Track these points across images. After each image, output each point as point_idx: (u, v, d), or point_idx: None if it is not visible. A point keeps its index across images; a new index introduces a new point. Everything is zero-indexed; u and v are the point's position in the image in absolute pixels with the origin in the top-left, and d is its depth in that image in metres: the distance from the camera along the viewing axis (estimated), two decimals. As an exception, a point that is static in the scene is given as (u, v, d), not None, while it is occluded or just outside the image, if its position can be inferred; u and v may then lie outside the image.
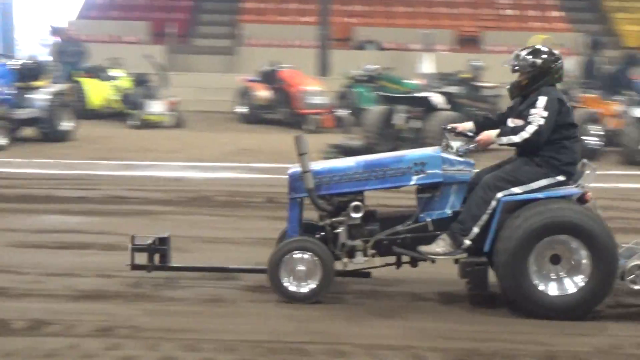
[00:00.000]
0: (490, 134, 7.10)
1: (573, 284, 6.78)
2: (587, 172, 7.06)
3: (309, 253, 7.07)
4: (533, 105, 6.89)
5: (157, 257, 7.57)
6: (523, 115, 6.96)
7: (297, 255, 7.08)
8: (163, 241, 7.61)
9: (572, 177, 6.99)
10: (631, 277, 6.95)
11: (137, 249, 7.49)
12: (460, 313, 7.05)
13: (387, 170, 7.21)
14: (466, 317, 6.94)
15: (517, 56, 7.11)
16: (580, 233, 6.68)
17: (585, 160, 7.19)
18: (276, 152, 16.55)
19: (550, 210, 6.74)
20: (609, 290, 6.81)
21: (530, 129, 6.83)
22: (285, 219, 7.54)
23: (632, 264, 6.98)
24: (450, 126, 7.42)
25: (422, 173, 7.12)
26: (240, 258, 8.43)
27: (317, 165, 7.40)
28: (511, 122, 7.09)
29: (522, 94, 7.14)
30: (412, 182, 7.16)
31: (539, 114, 6.82)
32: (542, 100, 6.85)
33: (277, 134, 19.68)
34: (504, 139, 6.97)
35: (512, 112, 7.19)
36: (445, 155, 7.15)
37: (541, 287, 6.77)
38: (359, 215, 7.19)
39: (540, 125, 6.80)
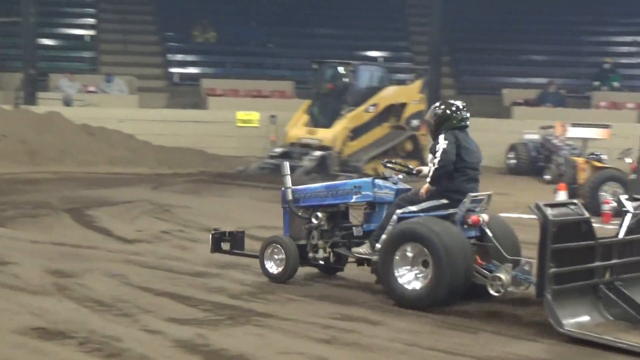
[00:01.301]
0: (424, 168, 9.57)
1: (420, 281, 8.81)
2: (482, 199, 9.12)
3: (279, 246, 9.80)
4: (436, 143, 9.09)
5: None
6: (433, 153, 9.14)
7: (274, 247, 9.88)
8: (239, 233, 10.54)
9: (455, 202, 8.98)
10: (492, 284, 8.65)
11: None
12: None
13: (338, 190, 9.93)
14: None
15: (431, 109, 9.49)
16: (423, 241, 8.72)
17: (488, 192, 9.24)
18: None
19: (407, 223, 8.97)
20: (447, 289, 8.62)
21: (436, 162, 9.00)
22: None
23: (495, 274, 8.68)
24: (387, 161, 10.05)
25: (358, 194, 9.72)
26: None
27: (297, 185, 10.35)
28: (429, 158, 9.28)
29: (433, 137, 9.30)
30: (352, 200, 9.83)
31: (440, 151, 8.95)
32: (441, 140, 9.00)
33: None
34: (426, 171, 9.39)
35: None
36: (376, 181, 9.65)
37: (401, 281, 8.87)
38: (316, 222, 9.84)
39: (441, 158, 8.95)
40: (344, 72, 22.12)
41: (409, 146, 22.03)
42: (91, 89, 27.35)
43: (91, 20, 32.51)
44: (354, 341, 7.66)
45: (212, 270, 10.43)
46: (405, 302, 8.80)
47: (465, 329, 8.21)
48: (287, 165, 10.30)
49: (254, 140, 24.02)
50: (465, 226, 9.03)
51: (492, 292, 8.71)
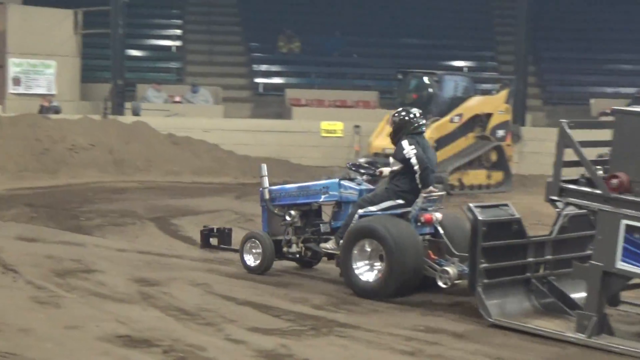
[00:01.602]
0: (387, 170, 10.31)
1: (375, 274, 9.63)
2: (436, 199, 9.91)
3: (257, 241, 10.69)
4: (400, 148, 9.80)
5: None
6: (397, 158, 9.89)
7: (252, 242, 10.78)
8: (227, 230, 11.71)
9: (410, 202, 9.78)
10: (440, 277, 9.50)
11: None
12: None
13: (309, 190, 10.78)
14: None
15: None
16: (377, 237, 9.54)
17: (441, 192, 10.08)
18: None
19: (364, 221, 9.82)
20: (398, 281, 9.46)
21: (417, 169, 9.66)
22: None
23: (443, 268, 9.51)
24: (353, 163, 11.08)
25: (326, 193, 10.56)
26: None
27: (274, 185, 11.25)
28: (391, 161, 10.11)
29: (393, 142, 10.10)
30: (321, 200, 10.67)
31: (413, 158, 9.67)
32: (407, 146, 9.75)
33: None
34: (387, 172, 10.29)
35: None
36: (342, 182, 10.46)
37: (358, 274, 9.69)
38: (289, 219, 10.71)
39: (419, 164, 9.65)
40: (428, 82, 21.99)
41: (494, 157, 21.82)
42: (177, 99, 27.63)
43: (178, 32, 32.86)
44: (438, 354, 7.60)
45: (295, 280, 10.45)
46: (362, 292, 9.65)
47: (555, 344, 8.08)
48: (264, 167, 11.30)
49: (337, 150, 24.02)
50: (419, 224, 9.87)
51: (440, 284, 9.53)
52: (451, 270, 9.44)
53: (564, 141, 8.34)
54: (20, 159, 20.41)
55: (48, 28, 25.88)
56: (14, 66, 25.38)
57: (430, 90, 21.92)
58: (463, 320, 8.79)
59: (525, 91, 27.80)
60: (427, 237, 9.94)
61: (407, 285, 9.57)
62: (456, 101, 21.83)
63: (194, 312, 8.75)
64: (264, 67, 31.52)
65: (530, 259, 9.00)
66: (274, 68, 31.80)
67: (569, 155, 8.45)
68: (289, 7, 33.78)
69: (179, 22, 33.14)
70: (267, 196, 11.01)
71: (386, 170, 10.33)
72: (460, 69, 30.53)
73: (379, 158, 20.27)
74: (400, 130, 10.01)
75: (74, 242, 12.30)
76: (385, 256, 9.48)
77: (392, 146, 10.28)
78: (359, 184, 10.47)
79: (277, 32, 32.19)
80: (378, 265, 9.65)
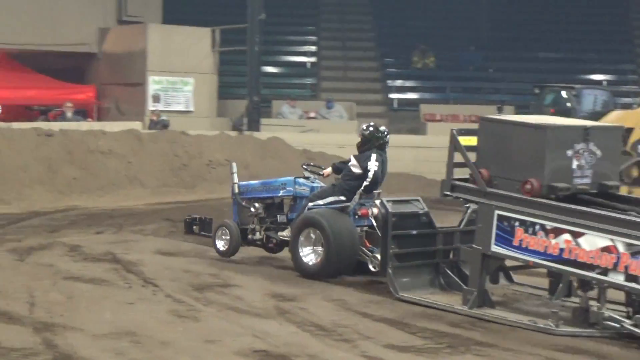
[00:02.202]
0: (328, 171, 12.09)
1: (316, 258, 11.10)
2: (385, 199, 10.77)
3: (226, 229, 12.20)
4: (367, 159, 11.24)
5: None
6: (359, 164, 11.31)
7: (222, 229, 12.29)
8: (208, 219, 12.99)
9: (350, 198, 11.22)
10: (371, 262, 10.95)
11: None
12: None
13: (270, 186, 12.35)
14: None
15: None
16: (318, 227, 11.01)
17: (378, 191, 11.43)
18: None
19: (309, 213, 11.31)
20: (334, 265, 10.95)
21: (368, 180, 11.14)
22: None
23: (374, 255, 10.91)
24: (306, 163, 12.67)
25: (284, 189, 12.14)
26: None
27: (243, 181, 12.81)
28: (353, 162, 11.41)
29: (358, 150, 11.47)
30: (280, 194, 12.24)
31: (372, 171, 11.16)
32: (373, 160, 11.21)
33: None
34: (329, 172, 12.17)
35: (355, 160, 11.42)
36: (297, 180, 12.03)
37: (303, 257, 11.18)
38: (253, 210, 12.23)
39: (372, 178, 11.17)
40: (566, 96, 21.64)
41: (635, 172, 21.19)
42: (312, 115, 27.83)
43: (312, 48, 33.16)
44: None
45: (432, 297, 10.34)
46: (306, 273, 11.16)
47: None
48: (234, 165, 12.88)
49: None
50: (357, 217, 11.28)
51: (370, 267, 11.00)
52: (379, 256, 10.64)
53: (454, 145, 9.87)
54: (160, 175, 20.83)
55: (186, 46, 26.41)
56: (154, 84, 25.97)
57: (569, 104, 21.56)
58: (604, 342, 8.55)
59: (667, 105, 27.00)
60: (365, 228, 11.41)
61: (343, 268, 11.12)
62: (595, 116, 21.36)
63: (330, 328, 8.74)
64: (398, 83, 31.52)
65: (440, 247, 10.64)
66: (408, 83, 31.76)
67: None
68: (424, 22, 33.74)
69: (313, 38, 33.44)
70: (236, 190, 12.62)
71: (328, 171, 12.13)
72: (599, 82, 29.91)
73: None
74: (368, 143, 11.47)
75: (212, 256, 12.45)
76: (325, 243, 10.94)
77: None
78: (312, 182, 12.06)
79: (412, 47, 32.17)
80: (320, 250, 11.07)
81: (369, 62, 32.84)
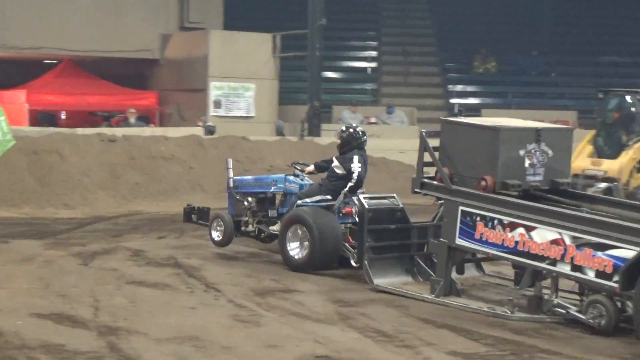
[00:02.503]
0: (310, 168, 12.82)
1: (302, 252, 11.86)
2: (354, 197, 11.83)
3: (221, 220, 12.90)
4: (349, 161, 12.05)
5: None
6: (342, 165, 12.11)
7: (217, 221, 13.00)
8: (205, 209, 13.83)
9: (335, 197, 12.03)
10: (352, 257, 11.62)
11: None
12: None
13: (262, 182, 13.16)
14: None
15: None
16: (304, 223, 11.77)
17: (362, 190, 12.08)
18: None
19: (296, 210, 12.08)
20: (318, 259, 11.70)
21: (353, 181, 11.99)
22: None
23: (355, 250, 11.56)
24: (295, 162, 13.28)
25: (275, 185, 12.88)
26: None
27: (237, 176, 13.61)
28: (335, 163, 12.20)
29: (339, 152, 12.26)
30: (271, 190, 12.95)
31: (355, 172, 12.01)
32: (355, 162, 12.05)
33: None
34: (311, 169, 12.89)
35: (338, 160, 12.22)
36: (287, 177, 12.80)
37: (290, 250, 11.97)
38: (246, 204, 13.01)
39: (357, 179, 12.01)
40: (631, 100, 21.23)
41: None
42: (372, 120, 27.78)
43: (373, 53, 33.15)
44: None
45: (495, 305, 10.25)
46: (293, 266, 11.92)
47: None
48: (230, 160, 13.68)
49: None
50: (341, 214, 12.07)
51: (352, 262, 11.62)
52: None
53: (423, 146, 10.67)
54: (221, 180, 20.68)
55: (247, 52, 26.54)
56: (215, 89, 26.13)
57: (633, 109, 21.16)
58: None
59: None
60: (350, 225, 12.09)
61: (327, 262, 11.83)
62: (661, 120, 21.01)
63: (392, 334, 8.71)
64: (459, 88, 31.39)
65: (414, 240, 11.38)
66: (469, 88, 31.61)
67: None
68: (485, 26, 33.57)
69: (374, 43, 33.42)
70: (231, 185, 13.40)
71: (309, 169, 12.83)
72: (665, 86, 29.46)
73: (579, 179, 19.71)
74: (347, 145, 12.24)
75: (273, 261, 12.49)
76: (310, 239, 11.67)
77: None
78: (302, 180, 12.76)
79: (473, 52, 32.00)
80: (306, 245, 11.79)
81: (430, 67, 32.74)
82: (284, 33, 27.00)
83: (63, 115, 27.50)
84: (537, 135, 10.20)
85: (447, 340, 8.57)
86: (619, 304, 8.97)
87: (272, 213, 12.87)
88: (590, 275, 8.98)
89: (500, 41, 32.69)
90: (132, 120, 24.38)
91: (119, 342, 8.11)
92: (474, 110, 29.40)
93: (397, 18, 34.93)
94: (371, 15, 34.78)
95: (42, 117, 26.40)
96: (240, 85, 26.45)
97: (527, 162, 10.12)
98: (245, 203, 13.08)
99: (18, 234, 14.66)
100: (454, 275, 10.61)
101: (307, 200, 12.19)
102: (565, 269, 9.20)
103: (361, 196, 11.43)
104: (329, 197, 12.10)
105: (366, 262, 10.99)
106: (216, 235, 13.06)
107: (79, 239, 14.34)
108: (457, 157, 10.42)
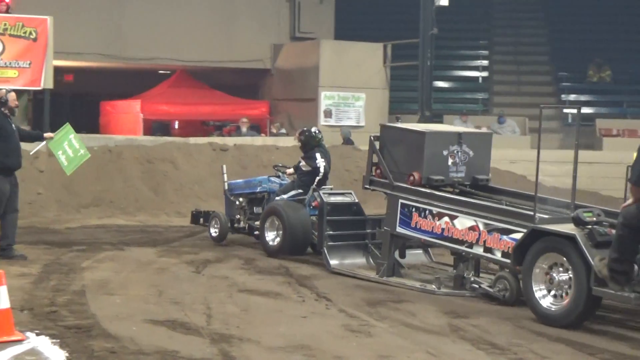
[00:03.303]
0: (290, 170, 14.55)
1: (276, 240, 13.72)
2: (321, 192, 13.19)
3: (217, 219, 14.86)
4: (314, 158, 13.96)
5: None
6: (307, 161, 14.01)
7: (215, 220, 14.93)
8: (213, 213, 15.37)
9: (306, 191, 13.86)
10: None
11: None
12: None
13: (250, 184, 15.03)
14: None
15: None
16: (277, 215, 13.62)
17: (330, 186, 13.98)
18: None
19: (272, 204, 14.04)
20: (289, 245, 13.50)
21: (321, 175, 13.89)
22: None
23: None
24: (276, 165, 15.33)
25: (260, 186, 14.75)
26: None
27: (232, 180, 15.56)
28: (302, 163, 14.13)
29: (303, 151, 14.22)
30: (257, 190, 14.81)
31: (321, 167, 13.90)
32: (319, 158, 13.95)
33: None
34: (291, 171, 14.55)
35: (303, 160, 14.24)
36: (270, 178, 14.76)
37: (267, 238, 13.80)
38: (238, 204, 15.03)
39: (324, 172, 13.97)
40: None
41: None
42: (483, 129, 27.50)
43: (484, 62, 32.85)
44: None
45: (615, 315, 10.02)
46: (269, 252, 13.69)
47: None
48: (224, 167, 15.90)
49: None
50: (311, 207, 13.67)
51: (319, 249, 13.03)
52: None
53: (373, 149, 12.35)
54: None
55: (358, 62, 26.60)
56: (326, 99, 26.26)
57: None
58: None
59: None
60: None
61: (297, 248, 13.56)
62: None
63: (505, 347, 8.58)
64: (572, 97, 30.83)
65: (369, 230, 12.98)
66: (583, 97, 31.01)
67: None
68: (600, 35, 32.95)
69: (486, 52, 33.12)
70: (226, 187, 15.39)
71: (290, 171, 14.49)
72: None
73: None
74: (307, 145, 14.13)
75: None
76: (282, 228, 13.50)
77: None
78: (282, 180, 14.61)
79: (587, 61, 31.42)
80: (280, 234, 13.59)
81: (543, 76, 32.29)
82: (394, 42, 27.00)
83: (176, 125, 27.95)
84: (459, 138, 11.96)
85: (561, 354, 8.41)
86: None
87: (258, 210, 14.73)
88: (498, 255, 10.56)
89: (615, 50, 32.05)
90: (244, 129, 24.63)
91: (231, 350, 8.16)
92: (588, 120, 28.89)
93: (510, 27, 34.54)
94: (483, 24, 34.47)
95: (156, 127, 26.89)
96: (350, 95, 26.53)
97: (450, 161, 11.87)
98: (237, 203, 15.06)
99: (132, 241, 14.93)
100: (402, 260, 12.38)
101: (283, 195, 14.04)
102: (479, 250, 10.79)
103: (321, 192, 13.15)
104: (300, 191, 13.92)
105: (325, 249, 12.67)
106: (213, 231, 14.95)
107: (191, 247, 14.53)
108: (394, 157, 12.16)
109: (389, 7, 33.42)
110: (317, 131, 14.35)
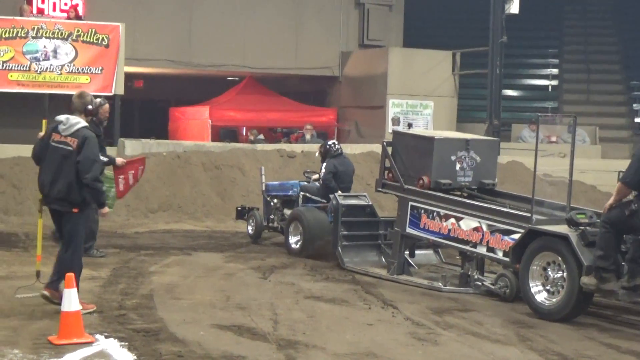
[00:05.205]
0: (316, 176, 15.42)
1: (298, 242, 14.43)
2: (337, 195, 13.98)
3: (254, 217, 15.83)
4: (333, 166, 14.87)
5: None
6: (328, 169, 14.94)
7: (252, 217, 15.91)
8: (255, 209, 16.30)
9: (327, 198, 14.60)
10: None
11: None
12: None
13: (284, 187, 15.88)
14: None
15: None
16: (299, 220, 14.36)
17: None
18: None
19: (295, 210, 14.86)
20: (310, 247, 14.12)
21: (323, 177, 15.03)
22: None
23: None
24: (306, 170, 16.30)
25: (292, 189, 15.56)
26: None
27: (270, 182, 16.42)
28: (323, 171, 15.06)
29: (322, 162, 15.20)
30: (289, 193, 15.57)
31: (323, 177, 14.97)
32: (324, 168, 14.96)
33: None
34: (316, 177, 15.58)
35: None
36: (301, 183, 15.53)
37: (290, 241, 14.56)
38: (273, 205, 15.83)
39: (325, 179, 14.94)
40: None
41: None
42: (553, 139, 27.23)
43: (554, 71, 32.52)
44: None
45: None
46: (291, 253, 14.41)
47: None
48: (262, 168, 17.03)
49: None
50: (332, 214, 13.96)
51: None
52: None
53: (385, 154, 13.10)
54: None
55: (427, 69, 26.49)
56: (394, 106, 26.19)
57: None
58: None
59: None
60: None
61: (316, 250, 14.12)
62: None
63: (573, 358, 8.48)
64: (644, 106, 30.38)
65: (382, 232, 13.63)
66: (655, 106, 30.55)
67: None
68: (673, 43, 32.46)
69: (555, 61, 32.78)
70: (263, 189, 16.24)
71: (316, 177, 15.38)
72: None
73: None
74: (326, 156, 15.08)
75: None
76: (303, 232, 14.27)
77: None
78: (311, 184, 15.39)
79: (659, 70, 30.97)
80: (301, 237, 14.32)
81: (614, 85, 31.88)
82: (463, 50, 26.85)
83: (244, 131, 28.10)
84: (466, 144, 12.53)
85: (632, 367, 8.29)
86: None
87: (288, 212, 15.38)
88: (499, 254, 11.16)
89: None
90: (308, 136, 24.66)
91: (297, 356, 8.18)
92: (658, 130, 28.47)
93: (581, 35, 34.17)
94: (554, 32, 34.15)
95: (224, 133, 27.04)
96: (418, 103, 26.43)
97: (457, 166, 12.47)
98: (272, 204, 15.89)
99: (200, 247, 15.03)
100: (413, 260, 13.07)
101: (309, 195, 15.17)
102: (483, 250, 11.41)
103: (337, 194, 13.90)
104: (324, 201, 14.86)
105: (339, 248, 13.40)
106: (250, 229, 15.95)
107: (257, 253, 14.60)
108: (405, 162, 12.80)
109: (458, 15, 33.29)
110: (333, 143, 15.35)
